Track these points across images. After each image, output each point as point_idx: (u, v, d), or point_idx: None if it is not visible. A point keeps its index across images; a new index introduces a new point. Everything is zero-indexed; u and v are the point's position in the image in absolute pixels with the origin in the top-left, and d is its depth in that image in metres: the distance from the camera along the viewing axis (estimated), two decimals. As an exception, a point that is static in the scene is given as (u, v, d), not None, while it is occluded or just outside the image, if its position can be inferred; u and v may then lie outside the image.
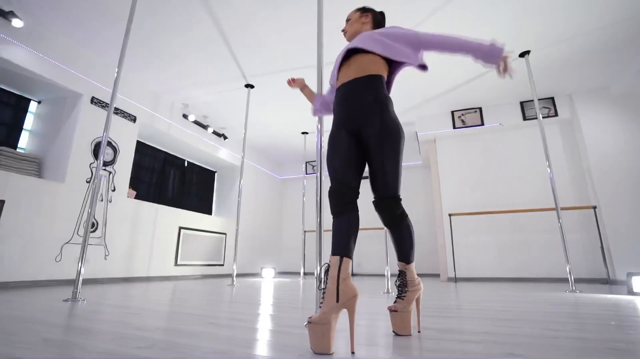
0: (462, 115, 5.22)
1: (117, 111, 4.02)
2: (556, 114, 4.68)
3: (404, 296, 1.25)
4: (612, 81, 4.37)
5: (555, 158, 4.68)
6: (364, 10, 1.59)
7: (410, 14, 3.26)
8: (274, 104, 5.07)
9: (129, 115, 4.20)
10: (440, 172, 5.34)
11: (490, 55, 1.19)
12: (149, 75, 4.26)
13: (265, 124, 5.74)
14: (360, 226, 6.75)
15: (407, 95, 4.85)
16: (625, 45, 3.72)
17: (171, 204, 5.18)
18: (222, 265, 5.60)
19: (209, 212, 6.21)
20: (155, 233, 4.41)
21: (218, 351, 0.96)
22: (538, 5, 3.15)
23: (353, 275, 6.71)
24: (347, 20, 1.60)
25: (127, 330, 1.24)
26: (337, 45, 3.51)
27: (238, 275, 5.83)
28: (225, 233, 5.75)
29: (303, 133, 6.23)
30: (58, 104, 3.76)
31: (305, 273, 6.42)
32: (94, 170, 3.72)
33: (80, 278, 2.24)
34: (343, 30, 1.61)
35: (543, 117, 4.74)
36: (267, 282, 4.47)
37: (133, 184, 4.50)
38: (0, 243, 2.87)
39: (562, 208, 4.23)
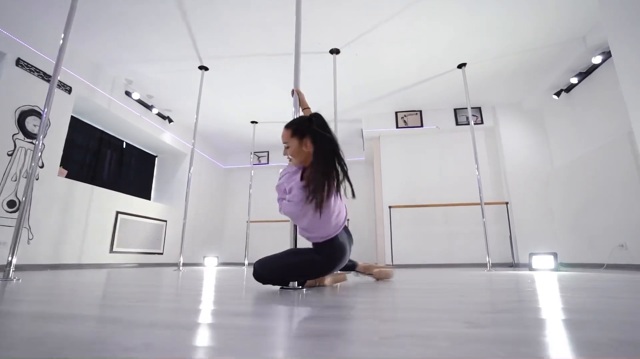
0: (405, 116, 5.70)
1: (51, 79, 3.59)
2: (482, 122, 5.39)
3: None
4: (524, 98, 5.19)
5: (479, 160, 5.38)
6: (299, 133, 1.43)
7: (360, 22, 3.51)
8: (226, 90, 4.97)
9: (64, 85, 3.78)
10: (382, 167, 5.76)
11: None
12: (91, 43, 3.88)
13: (214, 110, 5.57)
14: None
15: (355, 93, 5.14)
16: (536, 69, 4.45)
17: (106, 187, 4.77)
18: (162, 254, 5.32)
19: (148, 198, 5.84)
20: (89, 216, 4.04)
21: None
22: (475, 26, 3.64)
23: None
24: (284, 144, 1.47)
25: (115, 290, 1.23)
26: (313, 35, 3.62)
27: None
28: (165, 220, 5.47)
29: (252, 122, 6.18)
30: (-27, 63, 3.24)
31: (249, 264, 6.40)
32: (17, 142, 3.30)
33: (14, 259, 2.02)
34: (285, 155, 1.50)
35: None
36: (212, 270, 4.40)
37: (62, 163, 4.05)
38: None
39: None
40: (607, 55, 3.73)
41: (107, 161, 5.03)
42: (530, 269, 3.30)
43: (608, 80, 3.83)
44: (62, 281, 1.95)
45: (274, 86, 4.85)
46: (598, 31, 3.61)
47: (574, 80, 4.24)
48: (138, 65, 4.32)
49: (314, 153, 1.39)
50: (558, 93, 4.58)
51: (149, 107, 5.08)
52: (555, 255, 3.18)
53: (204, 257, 5.45)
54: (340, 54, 4.08)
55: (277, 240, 7.22)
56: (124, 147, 5.39)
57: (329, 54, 4.06)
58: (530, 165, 5.02)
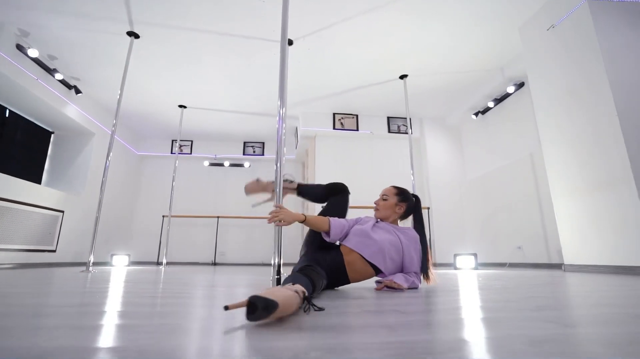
0: (342, 118, 5.83)
1: None
2: (411, 132, 5.83)
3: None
4: (448, 114, 5.80)
5: (406, 167, 5.81)
6: (402, 197, 1.60)
7: (319, 16, 3.46)
8: (157, 65, 4.35)
9: None
10: (317, 167, 5.77)
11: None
12: (-28, -26, 2.95)
13: (137, 85, 4.81)
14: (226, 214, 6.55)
15: (298, 89, 5.04)
16: (462, 90, 5.01)
17: (-22, 165, 3.70)
18: (54, 251, 4.36)
19: (38, 182, 4.73)
20: (-48, 201, 3.05)
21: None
22: (421, 42, 3.90)
23: (215, 264, 6.41)
24: (383, 196, 1.61)
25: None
26: (269, 22, 3.36)
27: (78, 264, 4.65)
28: (62, 211, 4.50)
29: (181, 106, 5.56)
30: None
31: (168, 263, 5.72)
32: None
33: None
34: (375, 203, 1.62)
35: (401, 133, 5.83)
36: (128, 271, 3.77)
37: None
38: None
39: (409, 207, 5.30)
40: (519, 87, 4.40)
41: (-19, 131, 3.91)
42: (455, 268, 3.67)
43: (517, 108, 4.52)
44: None
45: (214, 70, 4.44)
46: (515, 64, 4.23)
47: (490, 104, 4.89)
48: (41, 15, 3.45)
49: (415, 227, 1.59)
50: (476, 114, 5.23)
51: (50, 71, 4.11)
52: (475, 255, 3.60)
53: (112, 255, 4.66)
54: (292, 46, 3.94)
55: (196, 238, 6.64)
56: (7, 115, 4.26)
57: (282, 44, 3.88)
58: (449, 175, 5.63)
